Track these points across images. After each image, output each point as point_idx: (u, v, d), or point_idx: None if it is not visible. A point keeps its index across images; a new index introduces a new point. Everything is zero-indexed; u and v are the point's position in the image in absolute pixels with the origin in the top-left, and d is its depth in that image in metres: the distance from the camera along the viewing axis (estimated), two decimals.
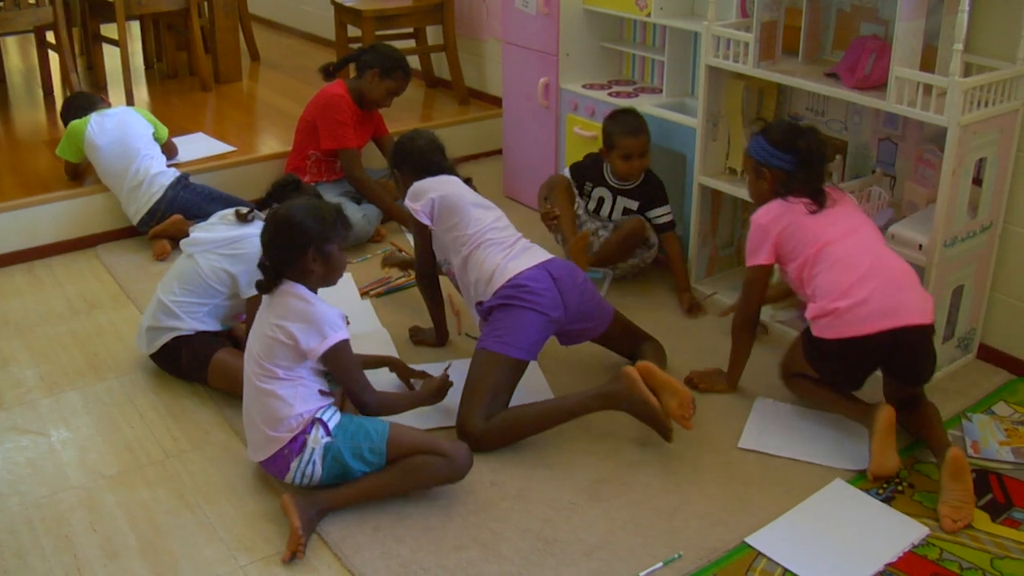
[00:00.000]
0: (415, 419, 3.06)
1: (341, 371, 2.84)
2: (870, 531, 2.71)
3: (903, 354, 2.94)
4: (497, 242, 3.27)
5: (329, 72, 4.63)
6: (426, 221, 3.37)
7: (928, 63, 3.17)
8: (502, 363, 3.04)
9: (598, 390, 3.02)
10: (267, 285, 2.81)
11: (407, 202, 3.41)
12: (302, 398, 2.76)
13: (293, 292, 2.79)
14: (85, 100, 4.65)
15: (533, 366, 3.46)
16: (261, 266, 2.82)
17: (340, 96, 4.50)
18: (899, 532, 2.70)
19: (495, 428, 3.00)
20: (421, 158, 3.52)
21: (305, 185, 3.34)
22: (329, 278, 2.87)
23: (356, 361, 2.89)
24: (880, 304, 2.89)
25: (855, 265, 2.94)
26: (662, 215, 4.02)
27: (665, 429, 2.96)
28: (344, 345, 2.80)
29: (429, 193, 3.37)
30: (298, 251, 2.78)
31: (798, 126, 3.19)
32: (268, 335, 2.75)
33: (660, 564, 2.58)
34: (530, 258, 3.22)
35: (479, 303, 3.24)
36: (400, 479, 2.77)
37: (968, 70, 3.17)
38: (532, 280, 3.13)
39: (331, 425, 2.76)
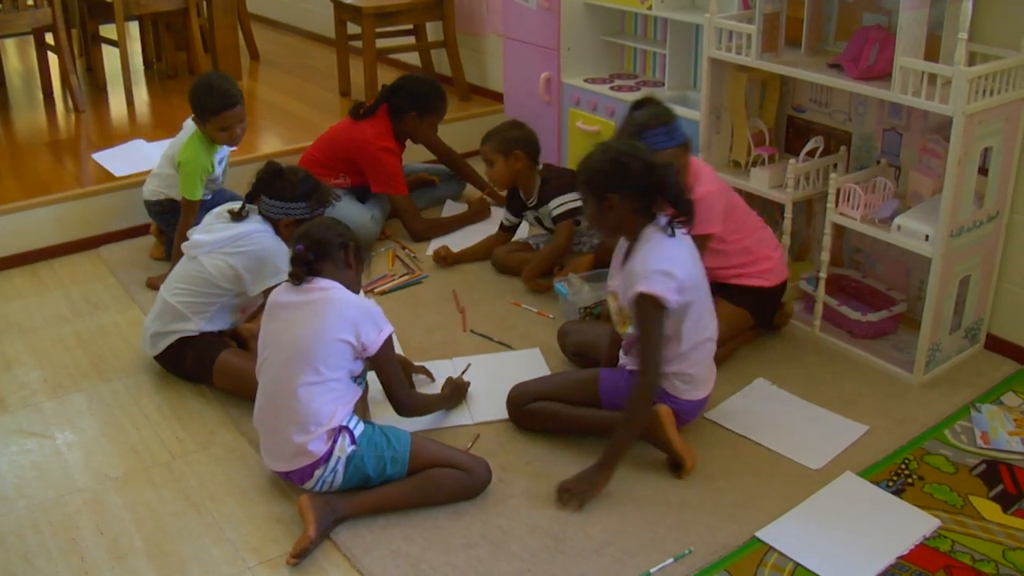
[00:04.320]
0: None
1: (388, 364, 2.83)
2: (881, 524, 2.69)
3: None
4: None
5: (359, 114, 4.49)
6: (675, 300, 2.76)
7: (932, 52, 3.16)
8: (594, 395, 2.98)
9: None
10: (300, 276, 2.76)
11: (650, 285, 2.72)
12: (342, 402, 2.74)
13: (335, 287, 2.76)
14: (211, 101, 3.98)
15: (535, 352, 3.50)
16: (299, 256, 2.76)
17: (390, 150, 4.42)
18: (910, 524, 2.68)
19: (538, 410, 3.01)
20: (639, 182, 2.77)
21: (288, 169, 3.27)
22: (354, 286, 2.87)
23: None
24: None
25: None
26: (555, 207, 4.03)
27: (679, 468, 2.90)
28: (391, 338, 2.82)
29: (677, 272, 2.75)
30: (341, 241, 2.81)
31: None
32: (320, 337, 2.69)
33: (671, 560, 2.57)
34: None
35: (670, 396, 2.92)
36: (420, 491, 2.75)
37: (972, 59, 3.15)
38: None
39: (356, 433, 2.74)
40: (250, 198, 3.28)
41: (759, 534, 2.66)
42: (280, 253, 3.22)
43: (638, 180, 2.75)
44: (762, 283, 3.40)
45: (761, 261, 3.40)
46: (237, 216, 3.29)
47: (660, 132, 3.11)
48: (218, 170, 4.20)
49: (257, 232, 3.24)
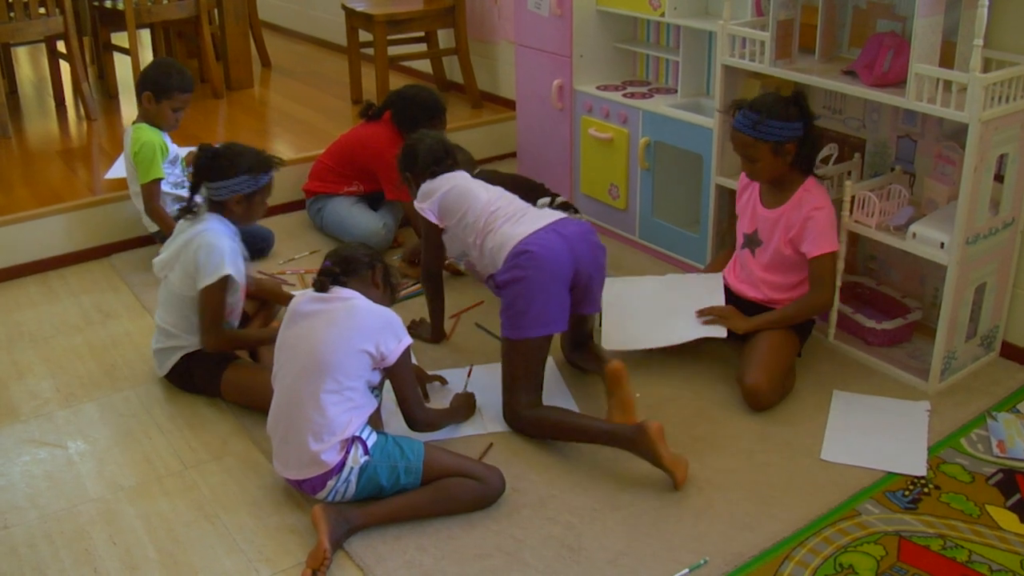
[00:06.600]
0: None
1: (404, 375, 2.83)
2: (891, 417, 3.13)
3: None
4: (506, 215, 3.22)
5: (369, 116, 4.52)
6: (434, 219, 3.37)
7: (947, 59, 3.14)
8: (527, 347, 3.05)
9: (622, 433, 2.89)
10: (324, 285, 2.79)
11: (416, 204, 3.43)
12: (358, 413, 2.73)
13: (356, 296, 2.78)
14: (162, 80, 4.12)
15: (556, 375, 3.45)
16: (326, 271, 2.82)
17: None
18: (909, 411, 3.14)
19: (540, 419, 3.05)
20: (426, 163, 3.50)
21: (222, 148, 3.23)
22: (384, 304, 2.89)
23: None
24: None
25: None
26: None
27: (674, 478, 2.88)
28: (409, 349, 2.82)
29: (435, 193, 3.37)
30: (369, 261, 2.89)
31: (781, 96, 3.27)
32: (339, 346, 2.69)
33: (686, 570, 2.55)
34: (537, 221, 3.16)
35: (490, 276, 3.21)
36: (433, 501, 2.74)
37: (987, 65, 3.13)
38: (537, 244, 3.05)
39: (369, 444, 2.74)
40: (194, 189, 3.25)
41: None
42: (225, 246, 3.18)
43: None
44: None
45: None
46: (193, 215, 3.26)
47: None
48: (177, 170, 4.25)
49: (202, 231, 3.20)
